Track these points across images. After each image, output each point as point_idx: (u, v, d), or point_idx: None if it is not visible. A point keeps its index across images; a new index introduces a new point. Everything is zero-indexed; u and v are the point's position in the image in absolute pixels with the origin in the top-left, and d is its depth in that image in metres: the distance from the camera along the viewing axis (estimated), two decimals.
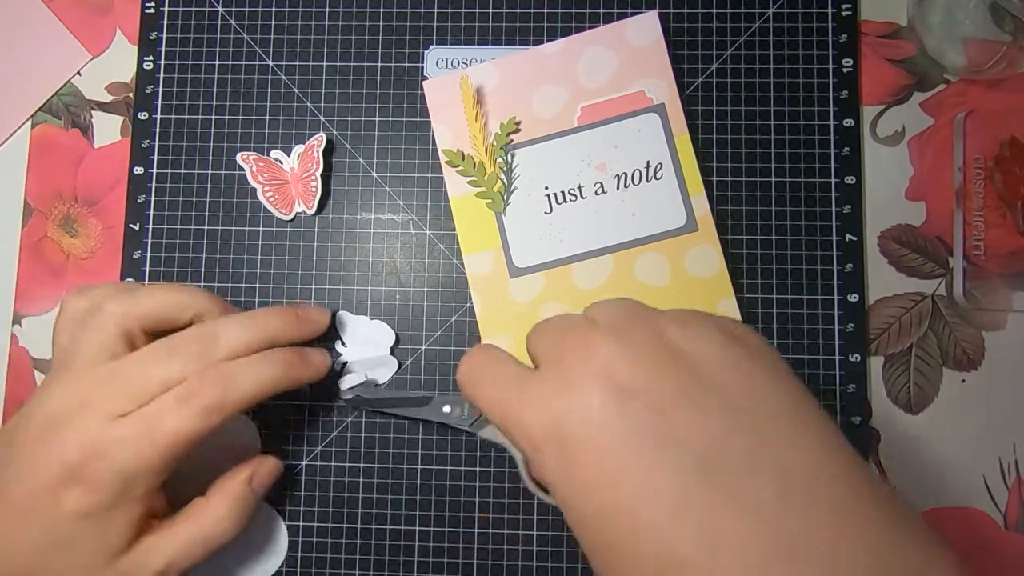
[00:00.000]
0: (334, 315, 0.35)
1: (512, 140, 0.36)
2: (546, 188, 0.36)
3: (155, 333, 0.30)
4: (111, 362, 0.29)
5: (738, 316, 0.35)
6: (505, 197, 0.36)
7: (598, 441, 0.21)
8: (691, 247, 0.35)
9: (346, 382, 0.35)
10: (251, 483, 0.31)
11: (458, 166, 0.36)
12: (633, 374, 0.21)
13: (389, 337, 0.36)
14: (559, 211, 0.36)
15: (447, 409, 0.33)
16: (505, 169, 0.36)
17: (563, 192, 0.36)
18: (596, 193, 0.36)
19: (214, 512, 0.30)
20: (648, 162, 0.36)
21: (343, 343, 0.36)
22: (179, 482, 0.30)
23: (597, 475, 0.20)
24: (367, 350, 0.36)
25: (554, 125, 0.36)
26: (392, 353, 0.36)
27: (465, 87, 0.36)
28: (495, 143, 0.36)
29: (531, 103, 0.36)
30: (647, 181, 0.36)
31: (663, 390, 0.21)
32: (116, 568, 0.28)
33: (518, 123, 0.36)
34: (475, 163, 0.36)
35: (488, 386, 0.25)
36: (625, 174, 0.36)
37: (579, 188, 0.36)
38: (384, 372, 0.36)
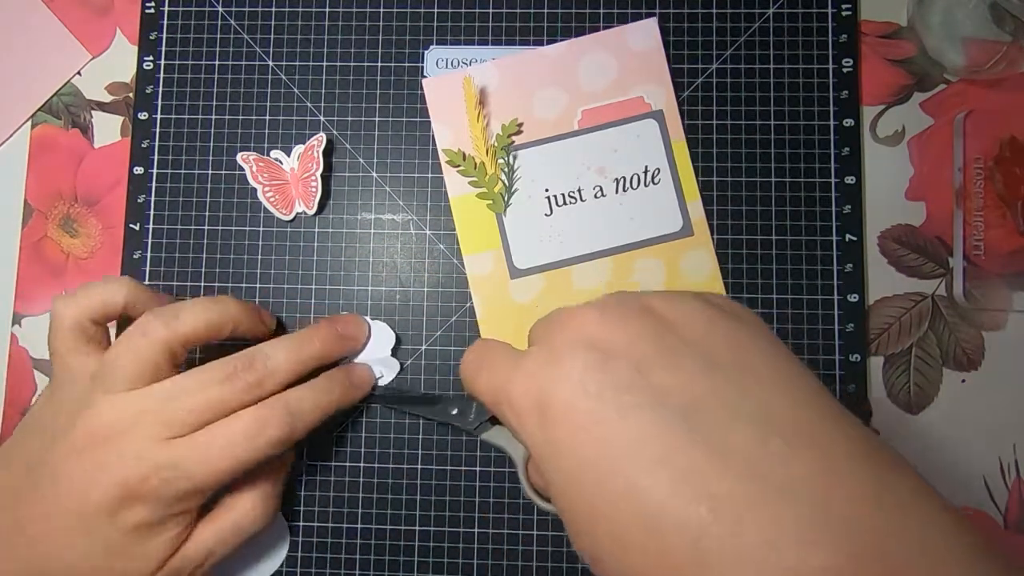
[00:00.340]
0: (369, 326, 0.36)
1: (513, 141, 0.36)
2: (546, 190, 0.36)
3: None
4: (164, 382, 0.29)
5: None
6: (506, 198, 0.36)
7: (581, 402, 0.21)
8: (686, 251, 0.36)
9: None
10: (274, 480, 0.33)
11: (459, 166, 0.36)
12: (613, 336, 0.21)
13: (390, 339, 0.36)
14: (559, 213, 0.36)
15: (454, 411, 0.34)
16: (506, 170, 0.36)
17: (563, 194, 0.36)
18: (595, 196, 0.36)
19: (244, 506, 0.31)
20: (646, 167, 0.36)
21: None
22: None
23: (579, 435, 0.20)
24: (369, 352, 0.36)
25: (555, 127, 0.37)
26: (393, 355, 0.36)
27: (468, 88, 0.36)
28: (496, 144, 0.36)
29: (532, 105, 0.37)
30: (645, 186, 0.36)
31: (644, 350, 0.21)
32: (167, 567, 0.29)
33: (519, 125, 0.36)
34: (476, 164, 0.36)
35: (485, 373, 0.25)
36: (624, 178, 0.36)
37: (579, 191, 0.36)
38: (386, 373, 0.36)
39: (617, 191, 0.36)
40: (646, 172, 0.36)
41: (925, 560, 0.17)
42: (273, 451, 0.29)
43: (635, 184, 0.36)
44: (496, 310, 0.36)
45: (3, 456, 0.30)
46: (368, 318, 0.36)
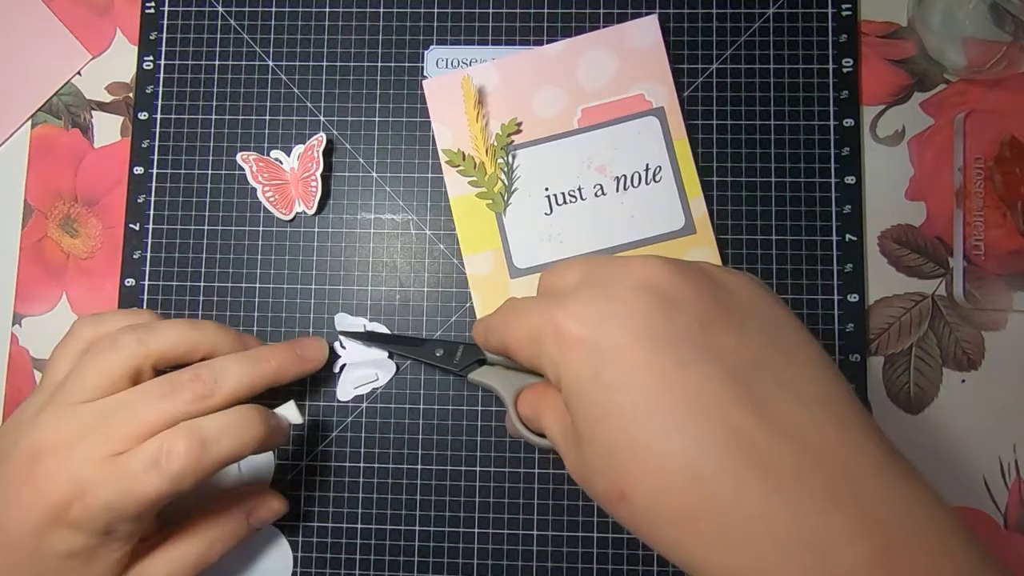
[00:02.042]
0: (331, 346, 0.36)
1: (513, 141, 0.36)
2: (546, 189, 0.36)
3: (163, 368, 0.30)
4: (109, 397, 0.28)
5: None
6: (505, 198, 0.36)
7: (640, 343, 0.21)
8: (689, 249, 0.36)
9: (342, 323, 0.36)
10: (249, 518, 0.31)
11: (459, 166, 0.36)
12: (679, 286, 0.22)
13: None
14: (559, 212, 0.36)
15: (439, 352, 0.34)
16: (506, 170, 0.36)
17: (563, 193, 0.36)
18: (596, 195, 0.36)
19: (207, 536, 0.30)
20: (647, 165, 0.36)
21: (342, 344, 0.36)
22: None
23: (633, 376, 0.21)
24: (365, 353, 0.36)
25: (555, 126, 0.36)
26: (391, 356, 0.36)
27: (467, 87, 0.36)
28: (496, 143, 0.36)
29: (531, 104, 0.37)
30: (646, 184, 0.36)
31: (706, 306, 0.22)
32: None
33: (519, 124, 0.36)
34: (476, 163, 0.36)
35: (520, 319, 0.24)
36: (624, 176, 0.36)
37: (579, 189, 0.36)
38: (381, 376, 0.36)
39: (618, 189, 0.36)
40: (647, 170, 0.36)
41: (932, 527, 0.19)
42: (180, 486, 0.26)
43: (636, 182, 0.36)
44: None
45: None
46: (365, 320, 0.36)
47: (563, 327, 0.22)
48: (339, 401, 0.36)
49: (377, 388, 0.36)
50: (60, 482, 0.26)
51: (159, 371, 0.30)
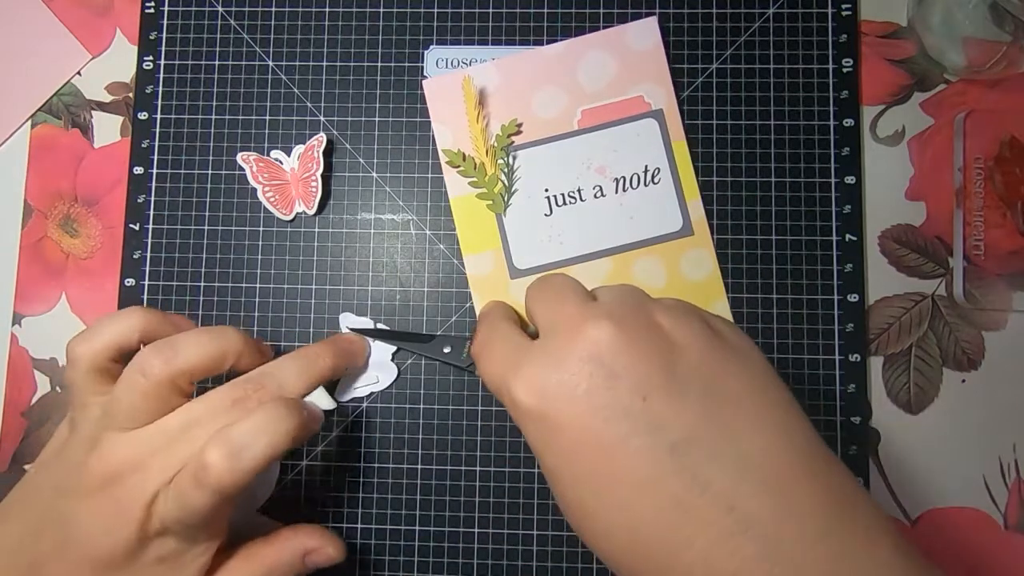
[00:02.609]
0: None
1: (513, 141, 0.36)
2: (546, 190, 0.36)
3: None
4: (174, 415, 0.28)
5: (730, 317, 0.35)
6: (505, 198, 0.36)
7: (583, 417, 0.23)
8: (686, 251, 0.36)
9: (349, 322, 0.36)
10: (306, 559, 0.31)
11: (459, 167, 0.36)
12: (621, 357, 0.23)
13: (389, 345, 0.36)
14: (559, 213, 0.36)
15: (447, 349, 0.35)
16: (506, 170, 0.36)
17: (563, 195, 0.36)
18: (595, 196, 0.36)
19: (265, 566, 0.30)
20: (646, 167, 0.36)
21: None
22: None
23: (577, 448, 0.23)
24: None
25: (554, 127, 0.36)
26: (393, 359, 0.36)
27: (467, 88, 0.36)
28: (496, 144, 0.36)
29: (531, 104, 0.37)
30: (645, 185, 0.36)
31: (649, 376, 0.23)
32: None
33: (519, 125, 0.36)
34: (476, 164, 0.36)
35: (490, 363, 0.27)
36: (624, 178, 0.36)
37: (579, 191, 0.36)
38: (383, 378, 0.36)
39: (617, 191, 0.36)
40: (646, 172, 0.36)
41: None
42: (222, 497, 0.26)
43: (635, 184, 0.36)
44: None
45: (16, 503, 0.29)
46: (367, 318, 0.36)
47: (516, 397, 0.24)
48: (339, 402, 0.36)
49: (376, 391, 0.36)
50: (145, 497, 0.26)
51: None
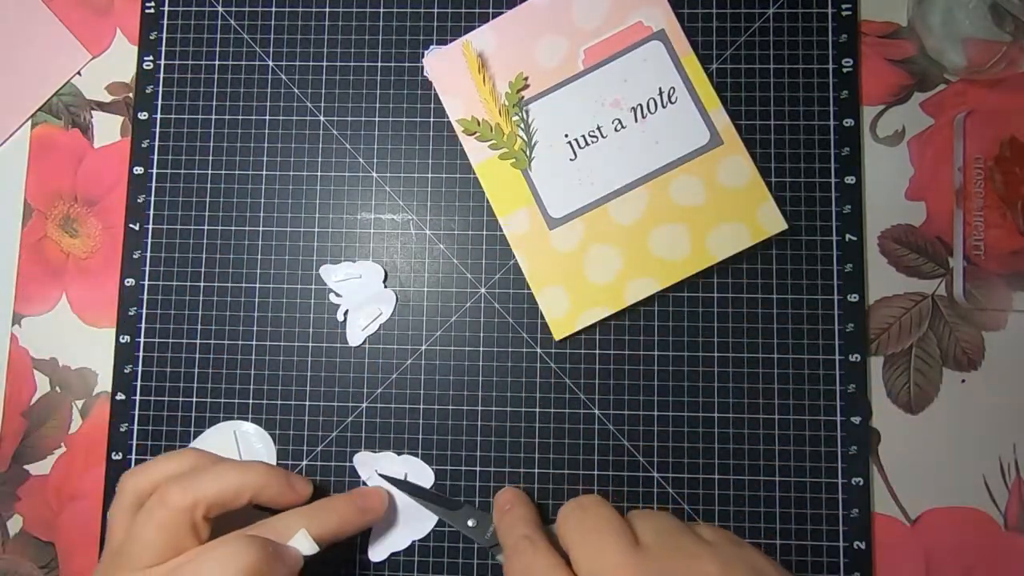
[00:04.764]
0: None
1: (523, 96, 0.36)
2: (566, 135, 0.36)
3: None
4: (179, 559, 0.28)
5: (779, 218, 0.35)
6: (528, 153, 0.36)
7: None
8: (720, 160, 0.35)
9: (382, 465, 0.36)
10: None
11: (475, 132, 0.36)
12: None
13: (379, 272, 0.36)
14: (583, 155, 0.36)
15: (471, 523, 0.34)
16: (522, 126, 0.36)
17: (583, 136, 0.36)
18: (616, 130, 0.36)
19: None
20: (660, 89, 0.36)
21: (336, 293, 0.36)
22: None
23: None
24: (363, 290, 0.36)
25: (560, 73, 0.36)
26: (397, 360, 0.36)
27: (468, 52, 0.36)
28: (507, 102, 0.36)
29: (534, 56, 0.37)
30: (663, 107, 0.36)
31: None
32: None
33: (526, 78, 0.36)
34: (491, 126, 0.36)
35: (581, 548, 0.27)
36: (640, 105, 0.36)
37: (598, 128, 0.36)
38: (386, 308, 0.36)
39: (636, 119, 0.36)
40: (661, 94, 0.36)
41: None
42: None
43: (653, 108, 0.36)
44: (541, 264, 0.36)
45: None
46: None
47: None
48: (339, 402, 0.36)
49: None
50: None
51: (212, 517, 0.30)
